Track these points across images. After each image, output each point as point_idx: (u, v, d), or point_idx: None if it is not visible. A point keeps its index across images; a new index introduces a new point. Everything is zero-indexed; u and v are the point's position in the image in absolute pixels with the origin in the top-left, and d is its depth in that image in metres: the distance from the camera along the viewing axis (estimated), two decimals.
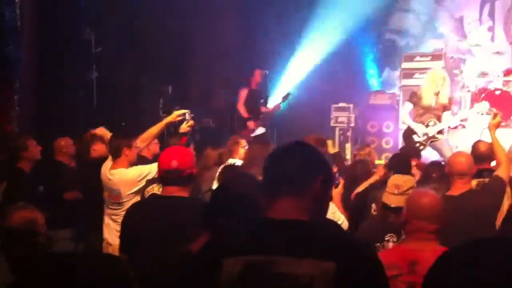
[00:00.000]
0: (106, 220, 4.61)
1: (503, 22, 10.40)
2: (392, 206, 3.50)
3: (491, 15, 10.55)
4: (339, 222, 3.67)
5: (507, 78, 8.89)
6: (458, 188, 3.89)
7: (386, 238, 3.45)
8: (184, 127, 4.85)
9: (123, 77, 9.41)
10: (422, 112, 7.02)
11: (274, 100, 9.75)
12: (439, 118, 7.01)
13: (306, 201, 1.75)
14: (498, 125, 4.32)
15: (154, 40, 9.62)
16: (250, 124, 8.77)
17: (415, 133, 7.10)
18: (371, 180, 4.78)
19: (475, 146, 4.84)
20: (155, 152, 5.55)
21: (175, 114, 4.98)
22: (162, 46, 9.74)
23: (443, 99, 6.96)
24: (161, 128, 4.95)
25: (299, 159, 1.80)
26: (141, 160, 4.84)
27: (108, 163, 4.56)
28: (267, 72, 9.33)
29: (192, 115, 4.98)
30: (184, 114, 4.94)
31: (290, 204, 1.74)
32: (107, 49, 9.04)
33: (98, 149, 5.52)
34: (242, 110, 8.95)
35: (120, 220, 4.30)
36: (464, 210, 3.67)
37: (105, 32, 9.14)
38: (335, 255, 1.60)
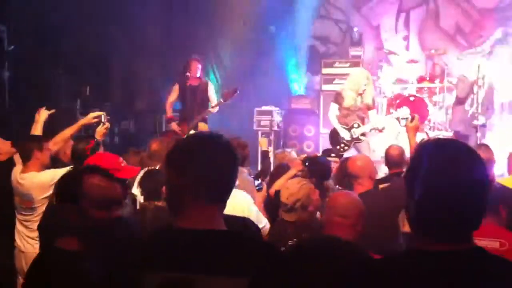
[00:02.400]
0: (18, 226, 4.38)
1: (418, 31, 10.89)
2: (291, 221, 3.59)
3: (407, 24, 11.03)
4: (261, 226, 3.68)
5: (420, 85, 9.32)
6: (356, 190, 4.02)
7: (289, 243, 3.47)
8: (100, 130, 4.68)
9: (38, 77, 8.96)
10: (347, 113, 7.10)
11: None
12: (363, 120, 7.13)
13: (221, 206, 1.68)
14: (417, 128, 4.42)
15: (72, 38, 9.25)
16: (174, 126, 7.73)
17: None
18: (289, 175, 4.84)
19: (387, 151, 4.99)
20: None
21: (91, 116, 4.85)
22: (80, 43, 9.38)
23: (367, 99, 7.07)
24: (76, 130, 4.79)
25: (211, 159, 1.64)
26: (57, 163, 4.63)
27: (19, 167, 4.34)
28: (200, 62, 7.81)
29: (108, 117, 4.85)
30: (100, 116, 4.80)
31: (203, 211, 1.64)
32: (21, 47, 8.59)
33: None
34: (167, 109, 7.98)
35: (33, 226, 4.11)
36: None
37: (19, 29, 8.69)
38: (249, 270, 1.54)
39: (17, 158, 4.46)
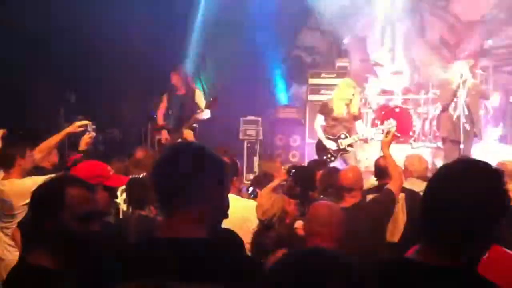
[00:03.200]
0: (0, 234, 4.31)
1: (403, 44, 10.99)
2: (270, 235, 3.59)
3: (392, 37, 11.13)
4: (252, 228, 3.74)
5: (405, 97, 9.40)
6: (348, 201, 4.04)
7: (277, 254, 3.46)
8: (84, 139, 4.65)
9: (21, 84, 8.88)
10: (333, 124, 7.10)
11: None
12: (349, 131, 7.15)
13: (201, 211, 1.64)
14: (390, 142, 4.52)
15: (58, 45, 9.19)
16: (163, 134, 7.70)
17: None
18: (274, 183, 4.83)
19: (376, 163, 5.02)
20: (54, 163, 5.29)
21: (76, 125, 4.80)
22: (66, 51, 9.31)
23: (354, 109, 7.09)
24: (61, 139, 4.74)
25: (187, 163, 1.63)
26: (40, 171, 4.58)
27: (0, 174, 4.28)
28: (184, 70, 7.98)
29: (94, 126, 4.82)
30: (86, 125, 4.76)
31: (184, 218, 1.62)
32: (3, 52, 8.50)
33: None
34: (158, 118, 7.95)
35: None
36: (357, 219, 3.80)
37: (2, 36, 8.61)
38: (223, 277, 1.54)
39: None
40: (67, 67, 9.41)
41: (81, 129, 4.77)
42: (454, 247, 1.56)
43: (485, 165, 1.62)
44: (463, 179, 1.57)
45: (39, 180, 4.09)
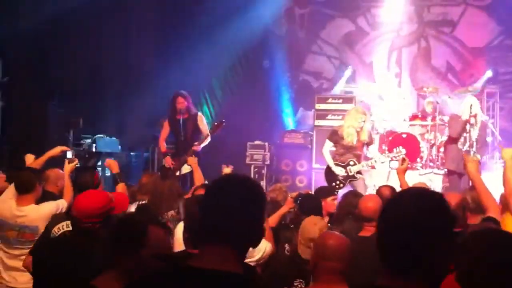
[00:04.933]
0: (9, 262, 4.30)
1: (409, 69, 11.04)
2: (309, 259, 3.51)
3: (399, 62, 11.19)
4: (261, 253, 3.78)
5: (412, 122, 9.38)
6: (368, 230, 3.97)
7: (295, 284, 3.42)
8: (68, 166, 4.75)
9: (31, 108, 8.96)
10: (343, 151, 7.09)
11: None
12: (358, 158, 7.14)
13: (237, 248, 1.66)
14: (406, 170, 4.50)
15: (66, 70, 9.29)
16: (167, 160, 7.64)
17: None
18: (281, 211, 4.81)
19: (379, 191, 4.98)
20: (62, 188, 5.31)
21: (59, 149, 5.03)
22: (74, 76, 9.42)
23: (364, 136, 7.07)
24: (44, 161, 4.94)
25: (235, 197, 1.67)
26: (49, 195, 4.62)
27: (8, 201, 4.30)
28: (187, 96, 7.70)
29: (74, 155, 5.05)
30: (65, 151, 5.00)
31: (216, 251, 1.64)
32: (15, 78, 8.61)
33: None
34: (161, 144, 7.92)
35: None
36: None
37: (12, 60, 8.72)
38: None
39: (9, 191, 4.42)
40: (76, 92, 9.52)
41: (61, 153, 5.01)
42: (406, 271, 1.62)
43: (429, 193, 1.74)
44: (407, 207, 1.67)
45: (58, 204, 4.19)
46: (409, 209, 1.65)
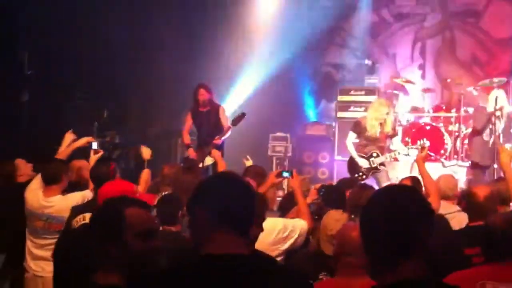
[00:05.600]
0: (37, 251, 4.39)
1: (433, 60, 10.91)
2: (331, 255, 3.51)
3: (422, 53, 11.06)
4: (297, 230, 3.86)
5: (436, 114, 9.29)
6: None
7: (319, 277, 3.42)
8: (94, 157, 4.84)
9: (56, 100, 9.09)
10: (366, 143, 7.06)
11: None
12: (382, 150, 7.10)
13: (246, 237, 1.80)
14: (426, 158, 4.45)
15: (90, 63, 9.38)
16: (190, 152, 7.61)
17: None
18: (297, 195, 4.81)
19: (401, 183, 4.94)
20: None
21: (85, 140, 5.09)
22: (98, 69, 9.51)
23: (387, 128, 7.04)
24: (69, 152, 4.95)
25: (245, 195, 1.83)
26: (74, 186, 4.71)
27: (36, 191, 4.37)
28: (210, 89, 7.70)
29: (99, 146, 5.17)
30: (90, 143, 5.08)
31: (231, 238, 1.75)
32: (41, 71, 8.73)
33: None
34: (184, 136, 7.96)
35: None
36: None
37: (38, 53, 8.84)
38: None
39: (36, 181, 4.50)
40: (100, 85, 9.61)
41: (87, 144, 5.13)
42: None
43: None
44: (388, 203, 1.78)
45: (84, 194, 4.25)
46: (385, 202, 1.78)
